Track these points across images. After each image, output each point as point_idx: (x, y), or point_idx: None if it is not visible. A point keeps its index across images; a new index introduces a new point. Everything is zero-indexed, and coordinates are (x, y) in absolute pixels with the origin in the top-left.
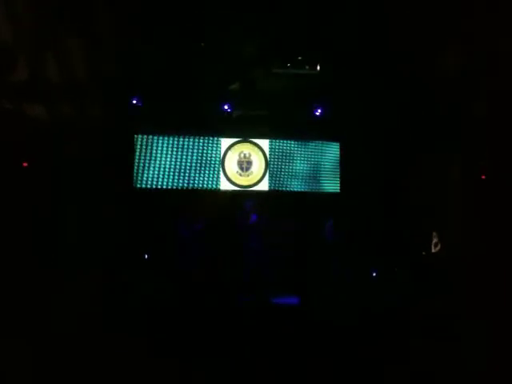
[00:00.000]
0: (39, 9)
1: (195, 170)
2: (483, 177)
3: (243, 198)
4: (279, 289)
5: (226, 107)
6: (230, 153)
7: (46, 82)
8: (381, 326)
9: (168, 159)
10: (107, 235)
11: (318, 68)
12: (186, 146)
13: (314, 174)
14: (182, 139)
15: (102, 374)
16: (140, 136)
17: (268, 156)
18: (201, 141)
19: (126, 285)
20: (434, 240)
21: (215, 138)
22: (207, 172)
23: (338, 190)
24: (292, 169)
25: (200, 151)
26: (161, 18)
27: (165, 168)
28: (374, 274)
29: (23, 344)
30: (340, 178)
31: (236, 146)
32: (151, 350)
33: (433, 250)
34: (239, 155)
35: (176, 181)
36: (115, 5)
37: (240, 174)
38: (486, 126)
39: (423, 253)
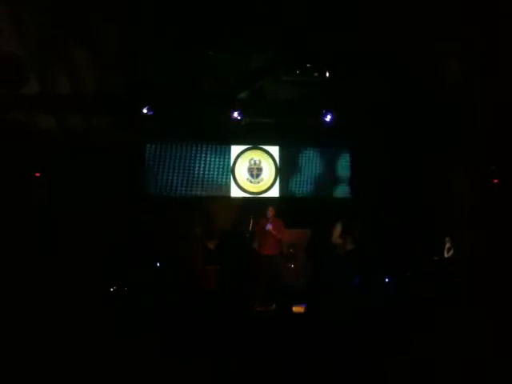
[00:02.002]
0: (48, 23)
1: (205, 177)
2: (495, 181)
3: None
4: (295, 296)
5: (235, 115)
6: (240, 160)
7: (57, 94)
8: (390, 328)
9: (178, 167)
10: (118, 243)
11: (327, 75)
12: (196, 154)
13: (325, 180)
14: (192, 147)
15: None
16: (151, 145)
17: (278, 162)
18: (211, 148)
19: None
20: (447, 245)
21: (225, 146)
22: (218, 179)
23: (349, 195)
24: (302, 175)
25: (210, 159)
26: (169, 27)
27: (175, 176)
28: (387, 280)
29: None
30: (350, 183)
31: (246, 153)
32: (156, 350)
33: (446, 255)
34: (249, 162)
35: (186, 189)
36: (123, 16)
37: (250, 181)
38: (489, 130)
39: (436, 257)
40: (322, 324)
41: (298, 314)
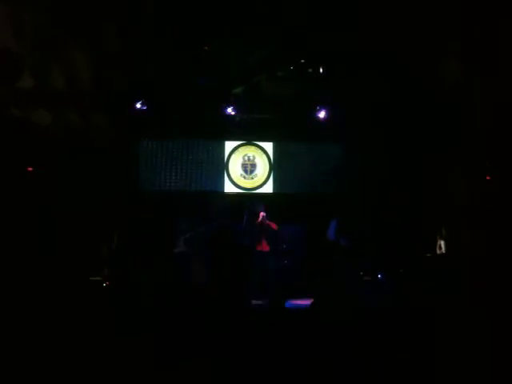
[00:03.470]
0: (44, 18)
1: (199, 173)
2: (488, 178)
3: (248, 200)
4: (288, 292)
5: (229, 110)
6: (233, 155)
7: (52, 89)
8: (385, 325)
9: (172, 163)
10: (112, 239)
11: (321, 71)
12: (189, 149)
13: (319, 176)
14: (185, 142)
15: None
16: (144, 140)
17: (272, 158)
18: (205, 144)
19: (130, 287)
20: (439, 242)
21: (219, 141)
22: (211, 175)
23: (343, 192)
24: (296, 171)
25: (204, 154)
26: (164, 23)
27: (169, 171)
28: (380, 276)
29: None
30: (344, 179)
31: (240, 149)
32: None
33: (438, 252)
34: (243, 158)
35: (180, 184)
36: (119, 12)
37: (244, 177)
38: (488, 130)
39: (428, 254)
40: (321, 324)
41: (291, 310)
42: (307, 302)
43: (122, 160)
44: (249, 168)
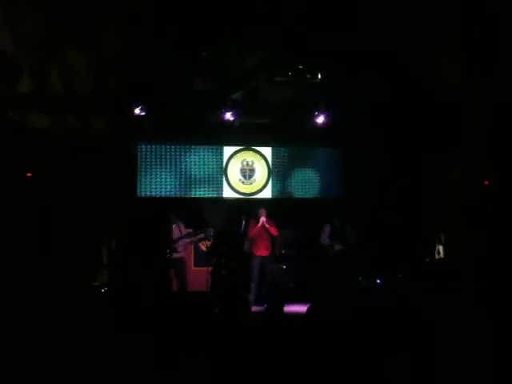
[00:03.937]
0: (43, 21)
1: (198, 178)
2: (486, 183)
3: (247, 205)
4: (287, 296)
5: (228, 115)
6: (232, 161)
7: (50, 91)
8: (385, 325)
9: (170, 168)
10: (110, 244)
11: (319, 76)
12: (188, 155)
13: (317, 181)
14: (184, 148)
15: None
16: (142, 145)
17: (271, 164)
18: (203, 149)
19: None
20: (438, 247)
21: (218, 147)
22: (210, 180)
23: (342, 196)
24: (295, 176)
25: (203, 159)
26: (163, 28)
27: (167, 177)
28: (378, 281)
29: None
30: (343, 184)
31: (239, 154)
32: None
33: (436, 257)
34: (242, 163)
35: (179, 189)
36: (117, 16)
37: (243, 182)
38: (488, 130)
39: (426, 259)
40: (322, 324)
41: (290, 315)
42: (303, 307)
43: (120, 162)
44: (247, 173)
